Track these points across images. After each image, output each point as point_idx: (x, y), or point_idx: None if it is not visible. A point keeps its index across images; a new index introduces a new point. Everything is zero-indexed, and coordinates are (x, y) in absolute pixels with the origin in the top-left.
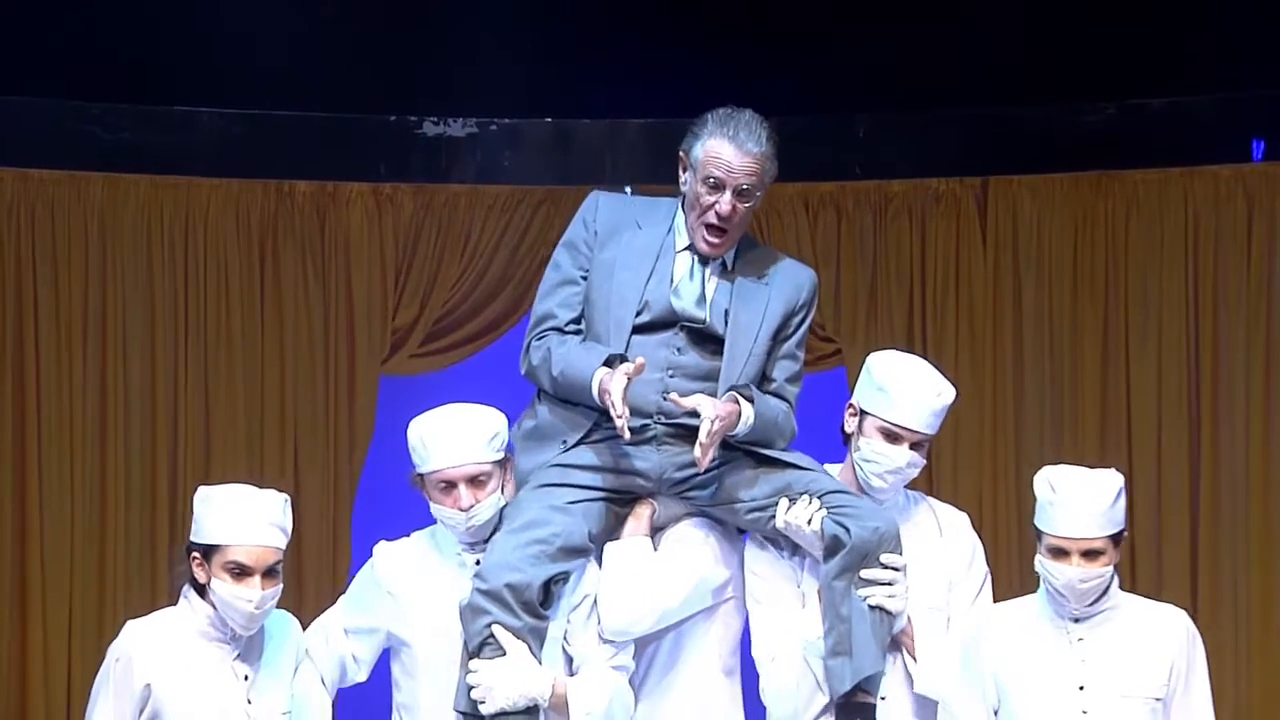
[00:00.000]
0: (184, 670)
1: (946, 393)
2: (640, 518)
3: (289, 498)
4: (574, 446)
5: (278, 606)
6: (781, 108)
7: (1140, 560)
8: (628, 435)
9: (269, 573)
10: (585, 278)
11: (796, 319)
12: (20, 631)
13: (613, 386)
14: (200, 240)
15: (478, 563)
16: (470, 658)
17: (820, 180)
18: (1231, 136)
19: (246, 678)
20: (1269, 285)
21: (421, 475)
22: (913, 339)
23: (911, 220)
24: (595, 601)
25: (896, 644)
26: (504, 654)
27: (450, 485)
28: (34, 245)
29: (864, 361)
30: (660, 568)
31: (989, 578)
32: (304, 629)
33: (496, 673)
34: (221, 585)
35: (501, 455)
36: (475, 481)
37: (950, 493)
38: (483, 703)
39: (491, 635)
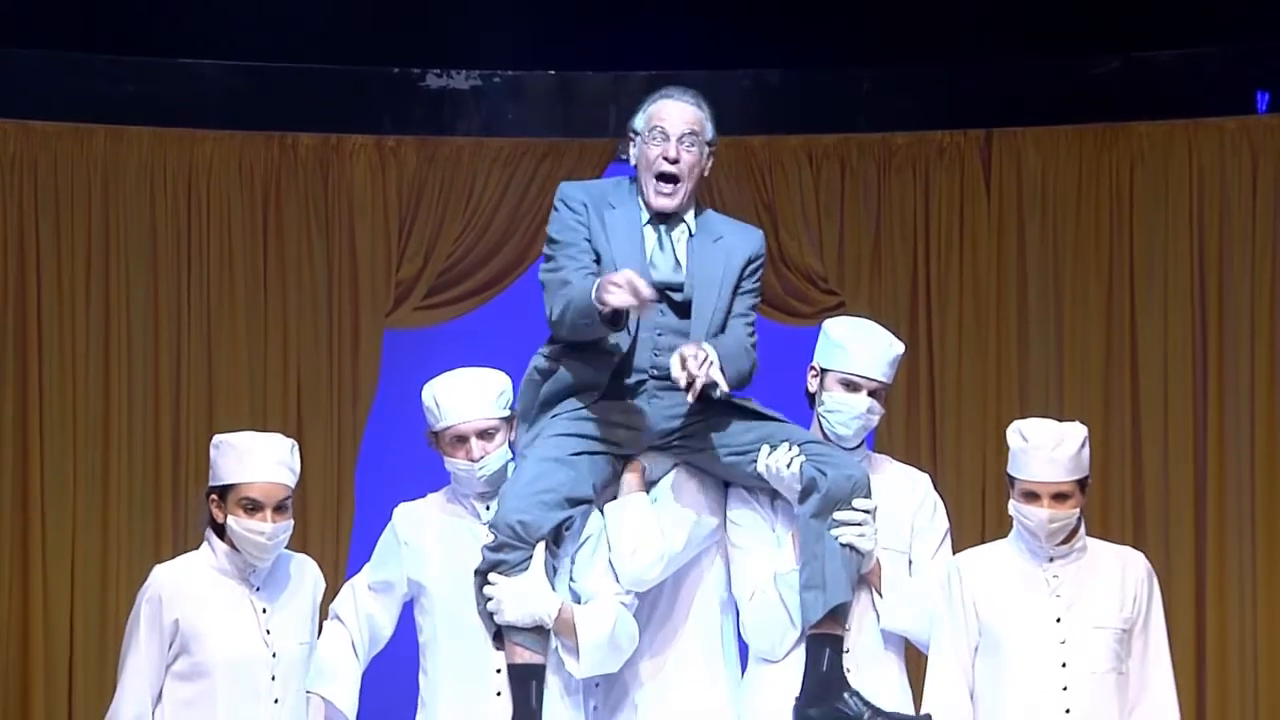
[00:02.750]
0: (206, 604)
1: (897, 345)
2: (635, 474)
3: (295, 442)
4: (569, 401)
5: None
6: (785, 59)
7: (1148, 512)
8: (646, 293)
9: (279, 508)
10: (589, 241)
11: (749, 273)
12: (22, 585)
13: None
14: (203, 193)
15: (488, 509)
16: (485, 572)
17: (823, 132)
18: (1237, 88)
19: (265, 610)
20: (1274, 237)
21: (436, 433)
22: (916, 292)
23: (915, 173)
24: (599, 541)
25: (864, 582)
26: (525, 571)
27: (462, 439)
28: (36, 198)
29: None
30: (662, 520)
31: (949, 533)
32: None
33: (509, 589)
34: (236, 520)
35: (508, 412)
36: (485, 435)
37: (954, 445)
38: (495, 614)
39: (503, 561)
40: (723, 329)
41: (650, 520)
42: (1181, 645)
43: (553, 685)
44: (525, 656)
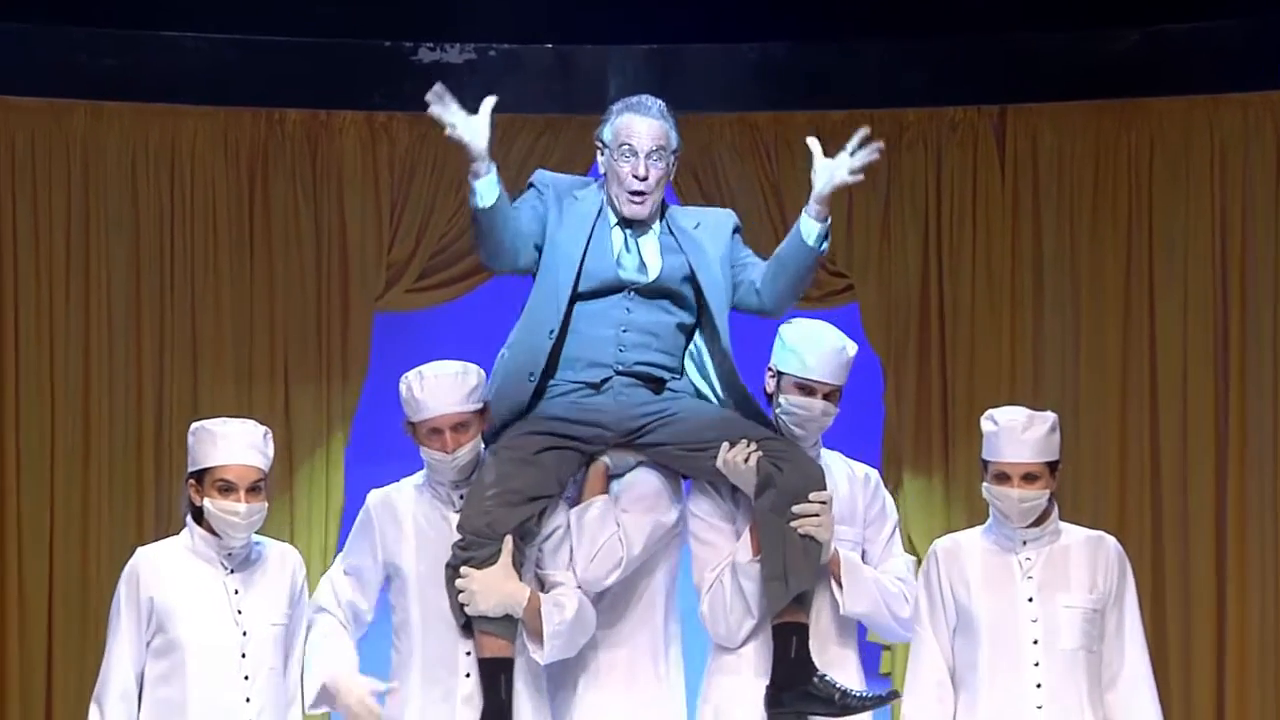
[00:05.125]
0: (180, 583)
1: (850, 347)
2: (598, 476)
3: (269, 429)
4: (533, 401)
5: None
6: (791, 33)
7: (1166, 506)
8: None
9: (252, 489)
10: (544, 220)
11: (734, 242)
12: None
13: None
14: (187, 171)
15: (461, 497)
16: (457, 566)
17: (831, 109)
18: (1260, 62)
19: (237, 591)
20: None
21: (412, 424)
22: (927, 273)
23: (927, 150)
24: (566, 534)
25: (824, 571)
26: (494, 564)
27: (437, 431)
28: (14, 176)
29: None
30: (623, 524)
31: (899, 524)
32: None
33: (481, 581)
34: (212, 502)
35: (480, 405)
36: (459, 427)
37: (966, 431)
38: (467, 605)
39: (473, 557)
40: (731, 300)
41: (610, 526)
42: (1202, 646)
43: (516, 668)
44: (495, 648)
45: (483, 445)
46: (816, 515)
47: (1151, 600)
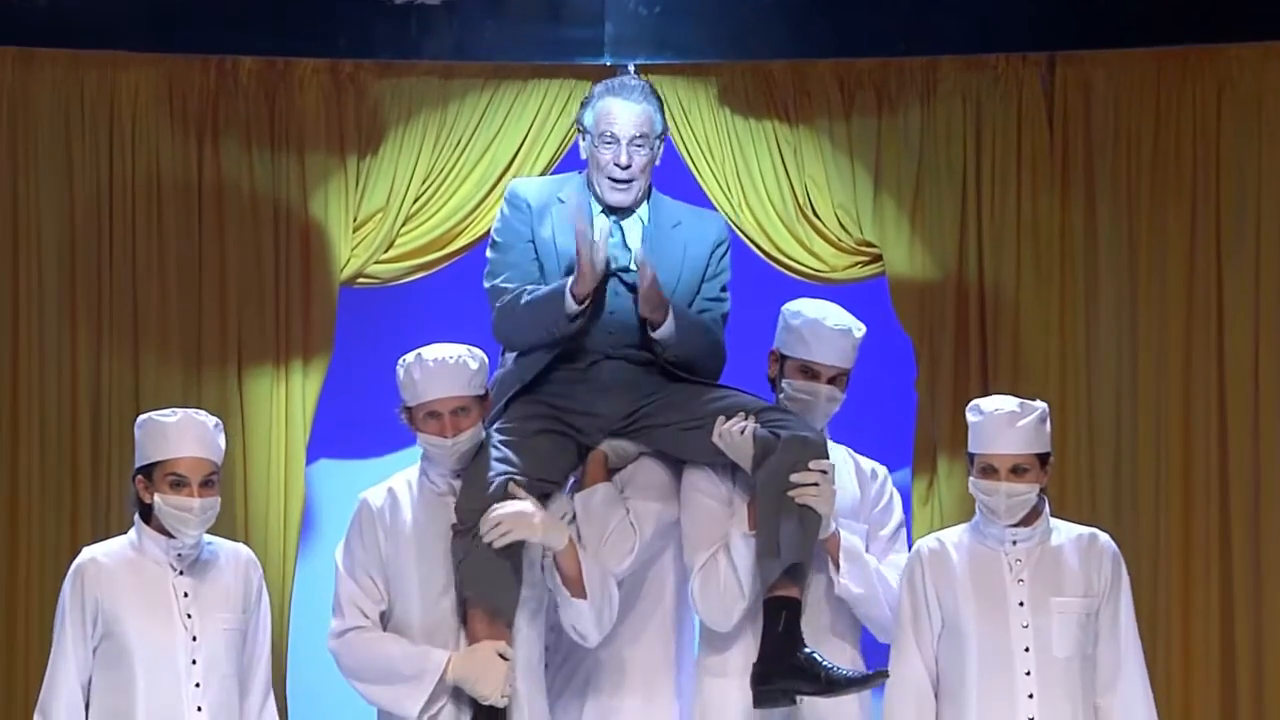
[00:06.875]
0: (127, 585)
1: (856, 329)
2: (597, 464)
3: (220, 420)
4: (530, 384)
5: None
6: None
7: (1234, 511)
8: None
9: (205, 483)
10: (532, 243)
11: (713, 258)
12: None
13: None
14: (127, 126)
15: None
16: (458, 536)
17: (858, 56)
18: None
19: (186, 594)
20: None
21: (409, 408)
22: (965, 243)
23: (965, 104)
24: (571, 521)
25: (821, 550)
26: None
27: (435, 415)
28: None
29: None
30: (632, 509)
31: (904, 525)
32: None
33: (513, 508)
34: (163, 498)
35: (483, 391)
36: (459, 412)
37: None
38: (502, 537)
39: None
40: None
41: (619, 511)
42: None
43: (516, 663)
44: (488, 634)
45: (483, 435)
46: (815, 485)
47: (1220, 626)
